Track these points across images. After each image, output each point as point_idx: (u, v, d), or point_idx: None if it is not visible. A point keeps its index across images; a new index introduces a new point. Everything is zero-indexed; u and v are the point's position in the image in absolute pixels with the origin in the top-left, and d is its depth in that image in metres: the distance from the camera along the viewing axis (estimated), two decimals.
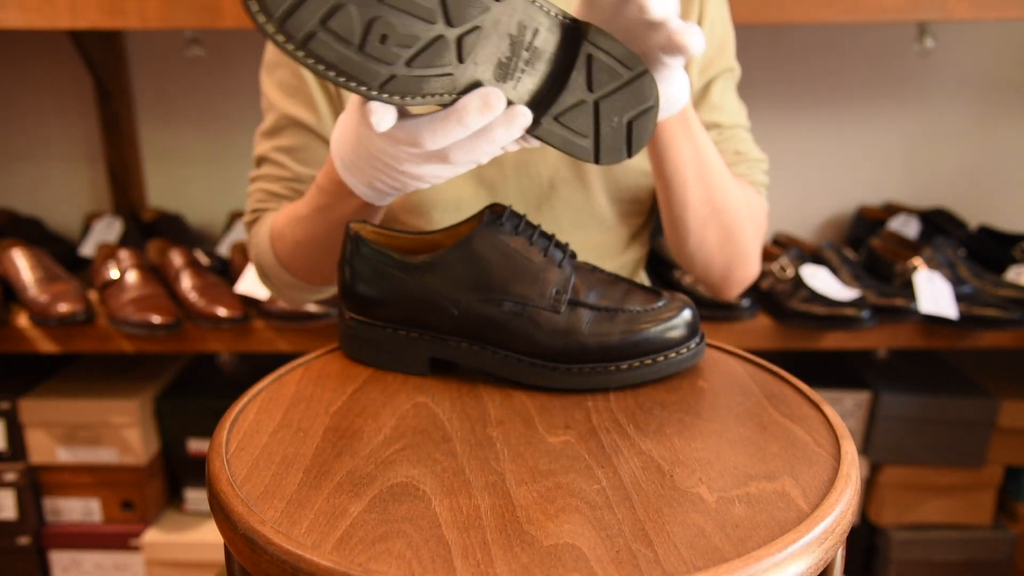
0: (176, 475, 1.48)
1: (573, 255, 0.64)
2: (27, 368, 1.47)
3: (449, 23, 0.51)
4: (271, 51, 0.84)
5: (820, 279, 1.34)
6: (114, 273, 1.32)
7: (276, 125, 0.83)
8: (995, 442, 1.42)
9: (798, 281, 1.33)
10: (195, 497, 1.46)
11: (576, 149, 0.57)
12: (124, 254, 1.35)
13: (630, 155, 0.58)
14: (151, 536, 1.41)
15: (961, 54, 1.62)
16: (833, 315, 1.28)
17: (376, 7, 0.49)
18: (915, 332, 1.32)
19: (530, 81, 0.55)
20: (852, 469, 0.51)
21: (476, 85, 0.53)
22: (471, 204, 0.82)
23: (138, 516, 1.43)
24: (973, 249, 1.53)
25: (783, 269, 1.35)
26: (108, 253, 1.39)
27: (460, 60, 0.52)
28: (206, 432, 1.42)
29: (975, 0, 1.21)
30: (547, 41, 0.55)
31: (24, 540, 1.41)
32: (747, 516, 0.46)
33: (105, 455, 1.39)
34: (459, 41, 0.52)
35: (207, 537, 1.40)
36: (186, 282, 1.32)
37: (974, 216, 1.69)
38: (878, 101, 1.66)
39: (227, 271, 1.45)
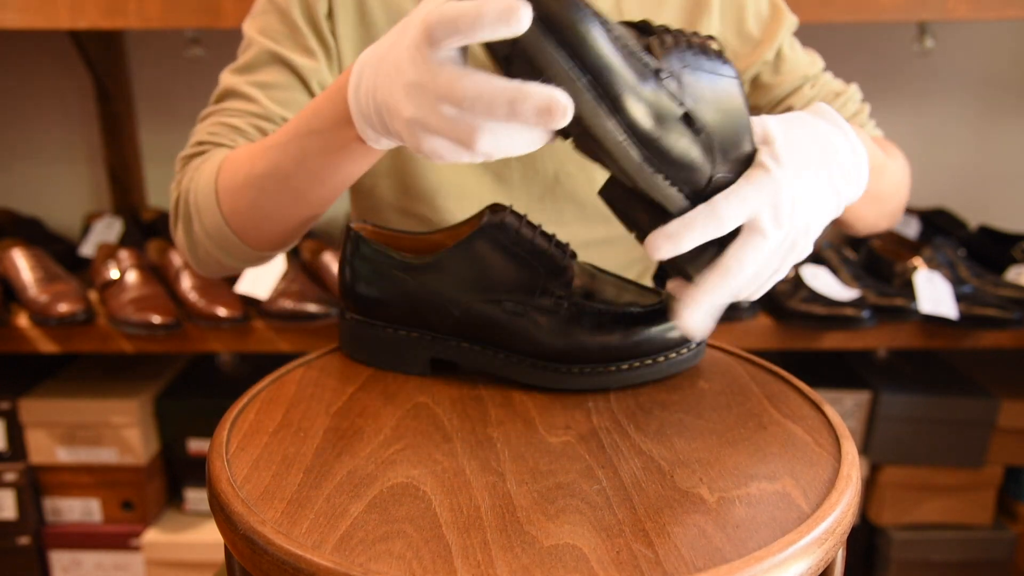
0: (176, 475, 1.48)
1: (574, 255, 0.64)
2: (27, 368, 1.47)
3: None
4: (259, 2, 0.78)
5: (820, 279, 1.34)
6: (114, 273, 1.32)
7: (255, 61, 0.75)
8: (995, 442, 1.42)
9: (798, 281, 1.33)
10: (195, 497, 1.46)
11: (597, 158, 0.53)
12: (124, 254, 1.35)
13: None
14: (151, 536, 1.41)
15: (961, 54, 1.62)
16: (833, 315, 1.28)
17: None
18: (915, 332, 1.32)
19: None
20: (853, 469, 0.51)
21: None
22: (475, 192, 0.81)
23: (138, 516, 1.43)
24: (973, 249, 1.53)
25: None
26: (108, 253, 1.39)
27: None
28: (206, 432, 1.42)
29: (975, 0, 1.21)
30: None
31: (24, 540, 1.41)
32: (748, 516, 0.46)
33: (105, 455, 1.39)
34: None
35: (207, 537, 1.40)
36: (186, 282, 1.32)
37: (974, 216, 1.69)
38: (878, 101, 1.66)
39: (228, 278, 1.45)
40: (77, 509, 1.43)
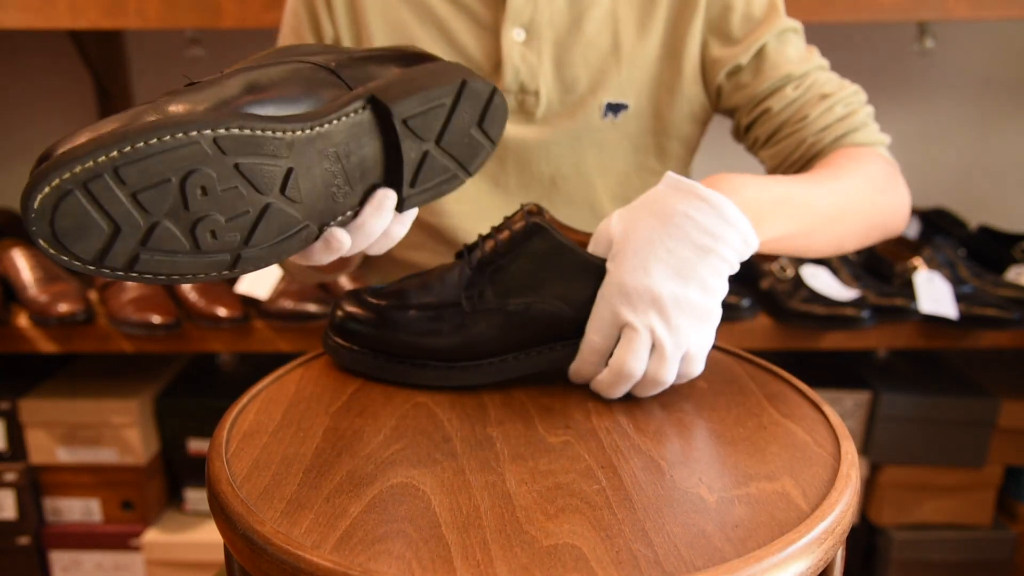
0: (176, 475, 1.48)
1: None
2: (27, 368, 1.47)
3: (259, 191, 0.48)
4: (285, 27, 0.85)
5: (820, 279, 1.34)
6: None
7: None
8: (995, 442, 1.42)
9: (798, 281, 1.33)
10: (195, 497, 1.46)
11: (447, 187, 0.59)
12: None
13: (494, 145, 0.60)
14: (151, 536, 1.41)
15: (961, 54, 1.62)
16: (833, 315, 1.28)
17: (191, 213, 0.45)
18: (915, 332, 1.32)
19: (371, 176, 0.54)
20: (852, 469, 0.51)
21: (333, 216, 0.53)
22: (473, 196, 0.82)
23: (138, 516, 1.43)
24: (973, 249, 1.53)
25: (783, 269, 1.35)
26: None
27: (302, 215, 0.50)
28: (206, 432, 1.42)
29: (975, 0, 1.21)
30: (368, 144, 0.53)
31: (24, 540, 1.41)
32: (747, 516, 0.46)
33: (105, 455, 1.39)
34: (284, 195, 0.49)
35: (207, 537, 1.40)
36: None
37: (974, 216, 1.69)
38: (878, 101, 1.64)
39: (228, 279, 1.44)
40: (77, 509, 1.43)
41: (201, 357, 1.57)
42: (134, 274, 0.45)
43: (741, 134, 0.84)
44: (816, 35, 1.60)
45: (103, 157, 0.41)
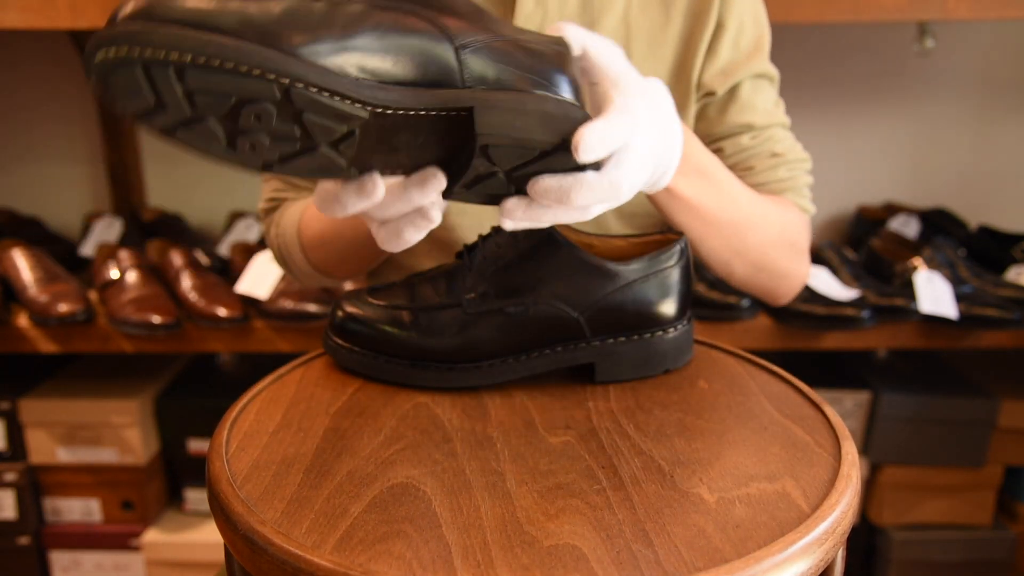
0: (176, 475, 1.48)
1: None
2: (27, 368, 1.47)
3: (313, 139, 0.46)
4: None
5: (820, 279, 1.34)
6: (114, 273, 1.32)
7: None
8: (995, 442, 1.42)
9: None
10: (195, 497, 1.46)
11: (497, 201, 0.54)
12: (124, 254, 1.35)
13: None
14: (151, 536, 1.41)
15: (961, 54, 1.62)
16: (833, 315, 1.28)
17: (238, 126, 0.44)
18: (915, 332, 1.32)
19: (430, 158, 0.50)
20: (852, 470, 0.51)
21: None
22: (476, 207, 0.81)
23: (138, 516, 1.43)
24: (973, 249, 1.53)
25: None
26: (108, 253, 1.39)
27: (347, 162, 0.48)
28: (206, 432, 1.42)
29: (975, 0, 1.21)
30: (443, 138, 0.49)
31: (24, 540, 1.41)
32: (748, 517, 0.46)
33: (105, 455, 1.39)
34: (336, 149, 0.47)
35: (207, 537, 1.40)
36: (186, 282, 1.32)
37: (974, 216, 1.69)
38: (878, 101, 1.66)
39: (227, 271, 1.45)
40: (77, 509, 1.43)
41: (201, 357, 1.57)
42: (166, 136, 0.45)
43: None
44: (816, 35, 1.61)
45: (174, 54, 0.40)
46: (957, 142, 1.68)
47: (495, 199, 0.54)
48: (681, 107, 0.79)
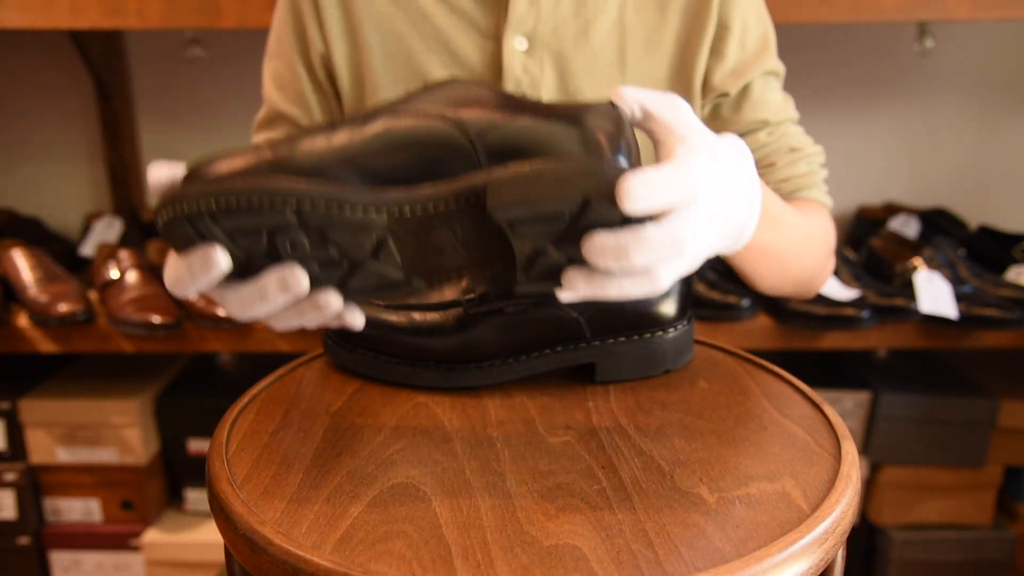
0: (176, 475, 1.48)
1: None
2: (27, 368, 1.46)
3: (349, 254, 0.48)
4: (273, 36, 0.83)
5: None
6: (114, 273, 1.32)
7: (268, 117, 0.84)
8: (995, 442, 1.42)
9: None
10: (195, 497, 1.46)
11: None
12: (124, 254, 1.35)
13: None
14: (151, 536, 1.41)
15: (961, 54, 1.62)
16: (833, 315, 1.28)
17: (283, 258, 0.47)
18: (915, 332, 1.32)
19: (482, 249, 0.49)
20: (852, 470, 0.51)
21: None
22: None
23: (138, 516, 1.43)
24: (973, 249, 1.53)
25: None
26: (108, 253, 1.39)
27: (402, 273, 0.49)
28: (206, 432, 1.42)
29: (975, 0, 1.21)
30: (477, 228, 0.48)
31: (24, 540, 1.41)
32: (748, 517, 0.46)
33: (105, 455, 1.39)
34: (377, 260, 0.48)
35: (207, 537, 1.40)
36: None
37: (974, 216, 1.69)
38: (878, 101, 1.66)
39: None
40: (77, 509, 1.43)
41: (201, 357, 1.57)
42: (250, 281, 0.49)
43: None
44: (816, 35, 1.61)
45: (203, 205, 0.45)
46: (957, 142, 1.68)
47: (558, 277, 0.50)
48: None
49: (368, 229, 0.46)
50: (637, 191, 0.44)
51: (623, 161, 0.49)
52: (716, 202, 0.49)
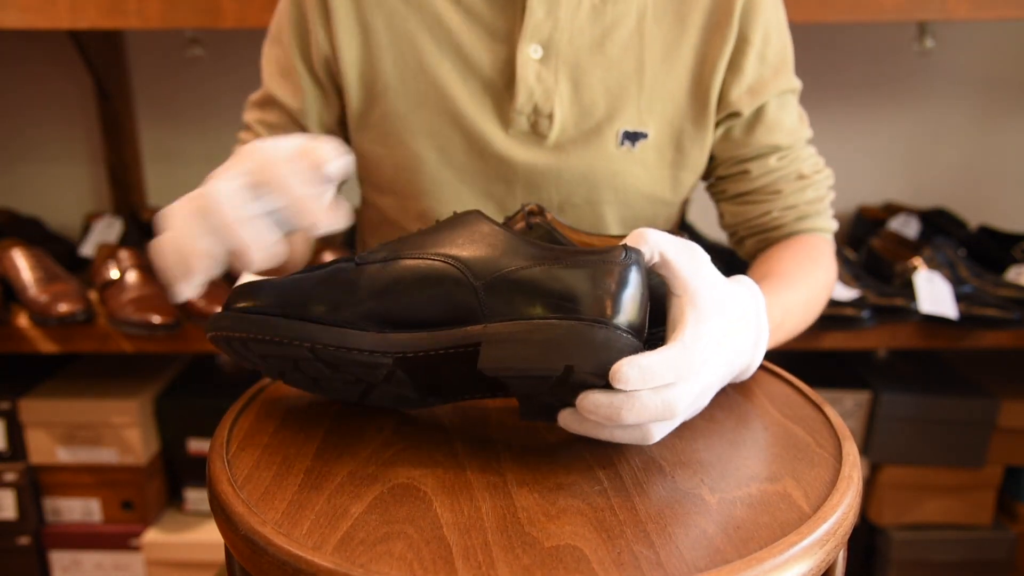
0: (176, 475, 1.48)
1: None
2: (27, 368, 1.46)
3: (366, 382, 0.55)
4: (274, 25, 0.82)
5: None
6: (114, 273, 1.32)
7: (263, 99, 0.83)
8: (995, 442, 1.42)
9: None
10: (195, 497, 1.45)
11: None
12: (124, 254, 1.34)
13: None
14: (151, 536, 1.41)
15: (961, 54, 1.62)
16: (833, 315, 1.28)
17: (309, 378, 0.56)
18: (915, 332, 1.32)
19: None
20: (854, 470, 0.51)
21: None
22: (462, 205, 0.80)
23: (138, 516, 1.43)
24: (973, 249, 1.53)
25: None
26: (108, 253, 1.39)
27: (418, 394, 0.56)
28: (206, 432, 1.42)
29: (975, 0, 1.21)
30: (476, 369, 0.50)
31: (24, 540, 1.41)
32: (749, 517, 0.46)
33: (105, 455, 1.39)
34: (390, 385, 0.55)
35: (207, 537, 1.40)
36: None
37: (974, 216, 1.69)
38: (878, 101, 1.66)
39: (227, 271, 1.44)
40: (77, 509, 1.43)
41: (201, 357, 1.57)
42: (286, 382, 0.58)
43: (709, 179, 0.85)
44: (816, 35, 1.61)
45: (237, 333, 0.53)
46: (957, 142, 1.68)
47: (556, 413, 0.52)
48: (699, 122, 0.77)
49: (376, 366, 0.52)
50: (629, 376, 0.46)
51: (623, 318, 0.48)
52: (718, 375, 0.52)
